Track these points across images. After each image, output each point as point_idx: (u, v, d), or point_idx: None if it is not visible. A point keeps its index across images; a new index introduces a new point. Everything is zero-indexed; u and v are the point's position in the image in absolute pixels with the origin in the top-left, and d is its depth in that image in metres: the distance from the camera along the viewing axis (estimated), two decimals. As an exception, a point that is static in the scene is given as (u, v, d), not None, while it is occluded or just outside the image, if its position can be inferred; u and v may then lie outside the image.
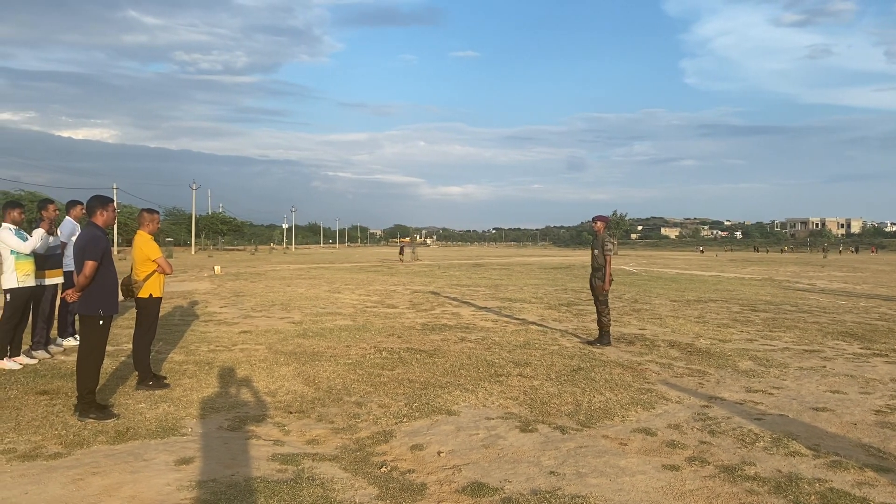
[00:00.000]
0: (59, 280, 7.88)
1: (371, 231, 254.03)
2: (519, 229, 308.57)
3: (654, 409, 5.81)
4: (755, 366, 7.75)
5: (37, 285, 7.39)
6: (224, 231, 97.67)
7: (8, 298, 7.14)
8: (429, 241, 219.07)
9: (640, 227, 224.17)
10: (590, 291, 9.61)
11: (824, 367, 7.74)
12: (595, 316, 9.49)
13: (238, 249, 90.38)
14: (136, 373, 6.48)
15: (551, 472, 4.24)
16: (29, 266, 7.22)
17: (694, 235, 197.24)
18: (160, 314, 7.06)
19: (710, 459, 4.49)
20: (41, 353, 7.71)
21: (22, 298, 7.20)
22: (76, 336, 8.18)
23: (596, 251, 9.31)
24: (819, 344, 9.41)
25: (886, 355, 8.53)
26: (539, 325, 11.22)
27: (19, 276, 7.12)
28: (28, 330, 7.64)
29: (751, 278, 26.16)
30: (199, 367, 7.29)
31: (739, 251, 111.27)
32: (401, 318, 11.95)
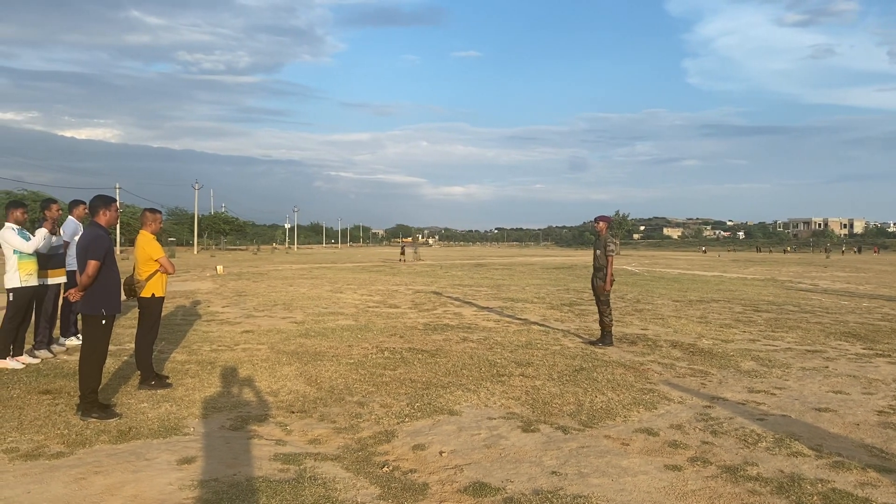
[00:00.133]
0: (62, 280, 7.90)
1: (373, 231, 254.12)
2: (521, 229, 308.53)
3: (656, 409, 5.80)
4: (757, 366, 7.74)
5: (39, 285, 7.40)
6: (226, 231, 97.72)
7: (11, 298, 7.15)
8: (431, 241, 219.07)
9: (642, 228, 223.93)
10: (591, 291, 9.60)
11: (827, 367, 7.73)
12: (597, 316, 9.48)
13: (240, 249, 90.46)
14: (139, 372, 6.48)
15: (553, 472, 4.24)
16: (32, 266, 7.23)
17: (696, 236, 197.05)
18: (162, 314, 7.07)
19: (713, 460, 4.49)
20: (44, 353, 7.73)
21: (25, 298, 7.21)
22: (78, 335, 8.21)
23: (598, 251, 9.31)
24: (822, 344, 9.40)
25: (889, 356, 8.51)
26: (541, 325, 11.22)
27: (22, 275, 7.13)
28: (31, 329, 7.66)
29: (753, 278, 26.13)
30: (201, 366, 7.30)
31: (742, 251, 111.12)
32: (403, 318, 11.95)
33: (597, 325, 9.75)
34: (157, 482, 3.98)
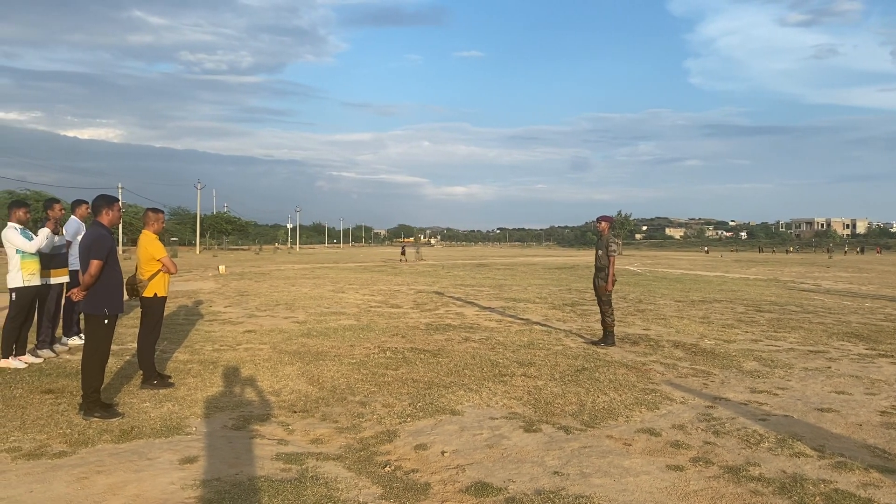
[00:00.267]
0: (65, 279, 7.91)
1: (375, 231, 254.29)
2: (523, 229, 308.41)
3: (658, 409, 5.80)
4: (760, 366, 7.73)
5: (42, 284, 7.41)
6: (229, 231, 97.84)
7: (13, 297, 7.16)
8: (433, 241, 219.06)
9: (644, 228, 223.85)
10: (593, 292, 9.60)
11: (829, 367, 7.72)
12: (599, 316, 9.48)
13: (243, 249, 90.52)
14: (141, 372, 6.49)
15: (555, 472, 4.23)
16: (34, 265, 7.25)
17: (699, 236, 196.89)
18: (165, 313, 7.08)
19: (715, 460, 4.48)
20: (46, 352, 7.74)
21: (27, 297, 7.22)
22: (81, 335, 8.21)
23: (600, 251, 9.30)
24: (824, 345, 9.38)
25: (892, 356, 8.50)
26: (543, 325, 11.21)
27: (25, 275, 7.14)
28: (33, 329, 7.67)
29: (756, 279, 26.10)
30: (203, 366, 7.31)
31: (744, 251, 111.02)
32: (405, 317, 11.95)
33: (599, 326, 9.75)
34: (159, 482, 3.99)
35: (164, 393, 6.12)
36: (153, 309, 6.56)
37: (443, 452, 4.63)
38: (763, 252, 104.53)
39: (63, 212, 8.06)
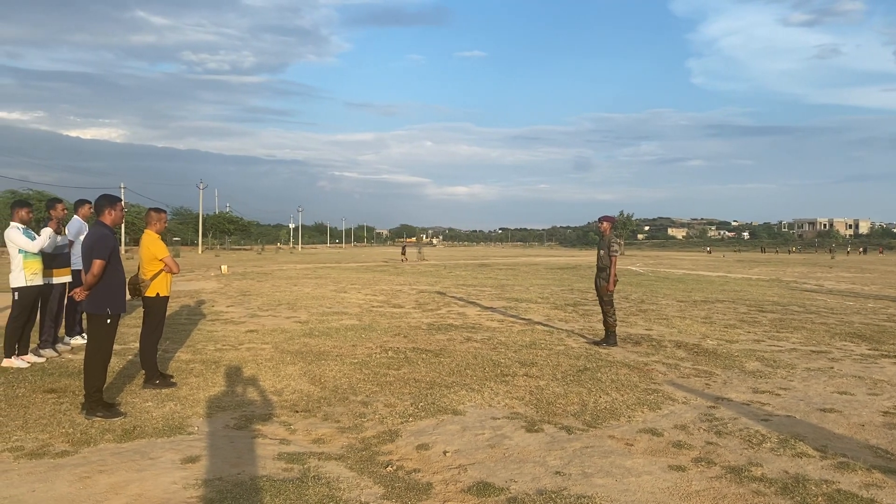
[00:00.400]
0: (67, 279, 7.92)
1: (377, 231, 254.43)
2: (525, 229, 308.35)
3: (660, 409, 5.79)
4: (762, 367, 7.72)
5: (44, 284, 7.43)
6: (231, 231, 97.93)
7: (16, 297, 7.18)
8: (435, 241, 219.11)
9: (647, 228, 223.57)
10: (595, 292, 9.59)
11: (832, 368, 7.71)
12: (601, 316, 9.47)
13: (245, 249, 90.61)
14: (143, 371, 6.50)
15: (557, 472, 4.23)
16: (37, 265, 7.26)
17: (701, 236, 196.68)
18: (167, 313, 7.09)
19: (717, 460, 4.48)
20: (49, 352, 7.75)
21: (30, 297, 7.24)
22: (83, 335, 8.23)
23: (602, 251, 9.30)
24: (827, 345, 9.37)
25: (894, 356, 8.48)
26: (545, 325, 11.21)
27: (27, 274, 7.16)
28: (36, 328, 7.68)
29: (758, 279, 26.07)
30: (205, 365, 7.32)
31: (747, 252, 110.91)
32: (407, 317, 11.96)
33: (601, 326, 9.74)
34: (161, 481, 3.99)
35: (166, 392, 6.13)
36: (155, 308, 6.57)
37: (445, 452, 4.63)
38: (765, 252, 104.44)
39: (66, 211, 8.07)
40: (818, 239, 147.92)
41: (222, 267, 28.77)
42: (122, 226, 57.05)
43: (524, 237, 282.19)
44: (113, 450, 4.57)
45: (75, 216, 8.34)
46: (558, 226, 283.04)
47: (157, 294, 6.53)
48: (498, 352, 8.46)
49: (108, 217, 5.73)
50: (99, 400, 5.38)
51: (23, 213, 7.35)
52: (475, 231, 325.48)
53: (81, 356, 6.24)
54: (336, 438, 4.95)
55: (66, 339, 8.46)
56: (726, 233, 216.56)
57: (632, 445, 4.80)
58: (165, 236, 7.51)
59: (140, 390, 6.22)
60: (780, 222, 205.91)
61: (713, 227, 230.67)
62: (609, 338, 9.12)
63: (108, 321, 5.51)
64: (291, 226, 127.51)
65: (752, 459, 4.49)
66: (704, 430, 5.18)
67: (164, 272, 6.53)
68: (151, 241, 6.53)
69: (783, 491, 3.95)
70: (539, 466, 4.35)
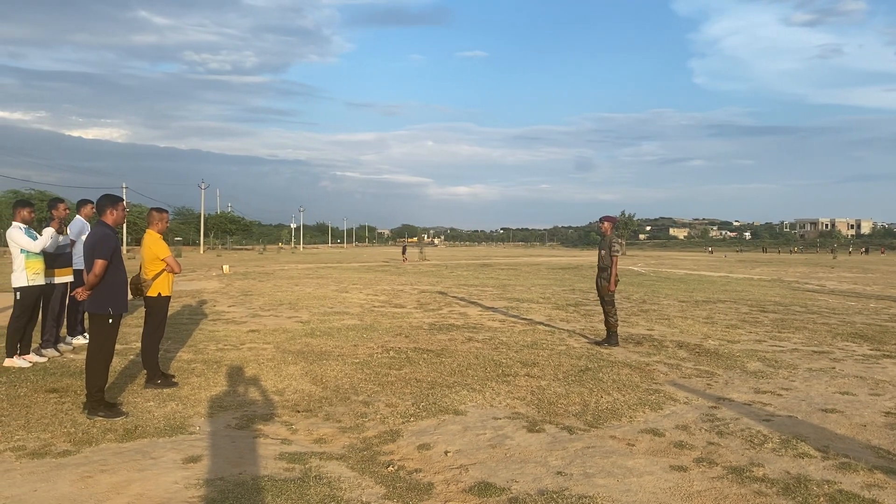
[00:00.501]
0: (69, 279, 7.93)
1: (379, 231, 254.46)
2: (527, 229, 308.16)
3: (661, 409, 5.79)
4: (764, 367, 7.72)
5: (46, 284, 7.43)
6: (233, 230, 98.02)
7: (18, 297, 7.19)
8: (436, 241, 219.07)
9: (648, 228, 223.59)
10: (596, 292, 9.59)
11: (833, 368, 7.70)
12: (603, 316, 9.47)
13: (246, 249, 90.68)
14: (145, 371, 6.51)
15: (558, 473, 4.23)
16: (39, 265, 7.27)
17: (703, 236, 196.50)
18: (169, 313, 7.10)
19: (718, 460, 4.48)
20: (51, 352, 7.76)
21: (32, 297, 7.25)
22: (85, 334, 8.24)
23: (603, 251, 9.30)
24: (828, 345, 9.36)
25: (897, 357, 8.47)
26: (547, 325, 11.21)
27: (29, 274, 7.17)
28: (38, 328, 7.69)
29: (760, 279, 26.05)
30: (207, 365, 7.32)
31: (748, 252, 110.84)
32: (408, 317, 11.96)
33: (602, 326, 9.74)
34: (162, 481, 3.99)
35: (167, 392, 6.13)
36: (157, 308, 6.58)
37: (446, 452, 4.63)
38: (767, 252, 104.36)
39: (67, 211, 8.08)
40: (820, 239, 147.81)
41: (224, 267, 28.79)
42: (124, 226, 57.11)
43: (526, 237, 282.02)
44: (115, 449, 4.57)
45: (77, 216, 8.35)
46: (560, 226, 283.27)
47: (159, 294, 6.54)
48: (499, 352, 8.46)
49: (110, 217, 5.73)
50: (101, 399, 5.39)
51: (25, 212, 7.36)
52: (476, 231, 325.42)
53: (83, 356, 6.25)
54: (337, 438, 4.95)
55: (68, 338, 8.46)
56: (728, 233, 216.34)
57: (633, 446, 4.80)
58: (167, 236, 7.53)
59: (142, 390, 6.22)
60: (782, 222, 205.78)
61: (715, 228, 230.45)
62: (610, 338, 9.12)
63: (110, 321, 5.52)
64: (293, 226, 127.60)
65: (753, 460, 4.49)
66: (706, 430, 5.18)
67: (165, 272, 6.54)
68: (153, 241, 6.54)
69: (785, 491, 3.95)
70: (540, 466, 4.35)
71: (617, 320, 9.23)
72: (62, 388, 6.17)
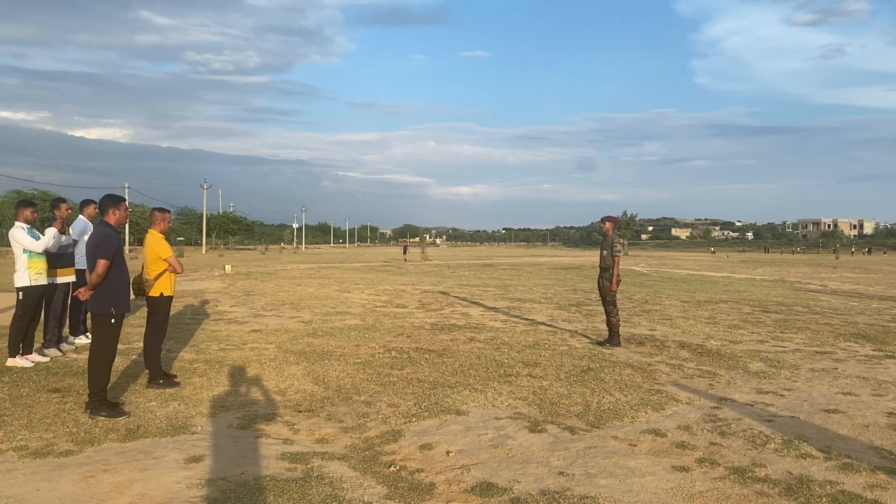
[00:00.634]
0: (71, 278, 7.94)
1: (381, 231, 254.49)
2: (529, 229, 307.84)
3: (663, 410, 5.79)
4: (766, 367, 7.71)
5: (49, 284, 7.45)
6: (235, 230, 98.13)
7: (20, 297, 7.20)
8: (438, 241, 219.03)
9: (650, 228, 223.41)
10: (598, 292, 9.59)
11: (836, 368, 7.69)
12: (605, 317, 9.46)
13: (248, 249, 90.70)
14: (147, 371, 6.51)
15: (560, 473, 4.23)
16: (41, 265, 7.28)
17: (705, 236, 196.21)
18: (171, 313, 7.10)
19: (721, 461, 4.47)
20: (53, 351, 7.77)
21: (34, 297, 7.26)
22: (88, 334, 8.25)
23: (605, 252, 9.29)
24: (831, 345, 9.35)
25: (899, 357, 8.45)
26: (548, 325, 11.20)
27: (31, 274, 7.18)
28: (40, 328, 7.70)
29: (762, 279, 26.02)
30: (209, 365, 7.33)
31: (751, 252, 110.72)
32: (410, 317, 11.96)
33: (604, 326, 9.73)
34: (164, 480, 4.00)
35: (169, 392, 6.14)
36: (159, 308, 6.59)
37: (448, 452, 4.63)
38: (769, 252, 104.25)
39: (70, 211, 8.09)
40: (822, 239, 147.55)
41: (226, 267, 28.83)
42: (126, 226, 57.18)
43: (527, 237, 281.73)
44: (117, 449, 4.58)
45: (80, 216, 8.36)
46: (562, 226, 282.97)
47: (161, 294, 6.54)
48: (501, 352, 8.46)
49: (113, 217, 5.74)
50: (103, 399, 5.39)
51: (27, 212, 7.37)
52: (478, 231, 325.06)
53: (85, 356, 6.26)
54: (339, 438, 4.95)
55: (71, 338, 8.48)
56: (730, 233, 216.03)
57: (635, 446, 4.79)
58: (169, 236, 7.53)
59: (144, 390, 6.23)
60: (785, 222, 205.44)
61: (717, 228, 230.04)
62: (612, 338, 9.12)
63: (113, 321, 5.53)
64: (295, 226, 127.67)
65: (755, 460, 4.48)
66: (708, 430, 5.17)
67: (167, 272, 6.55)
68: (155, 241, 6.55)
69: (787, 492, 3.94)
70: (542, 467, 4.35)
71: (619, 320, 9.23)
72: (64, 388, 6.18)
